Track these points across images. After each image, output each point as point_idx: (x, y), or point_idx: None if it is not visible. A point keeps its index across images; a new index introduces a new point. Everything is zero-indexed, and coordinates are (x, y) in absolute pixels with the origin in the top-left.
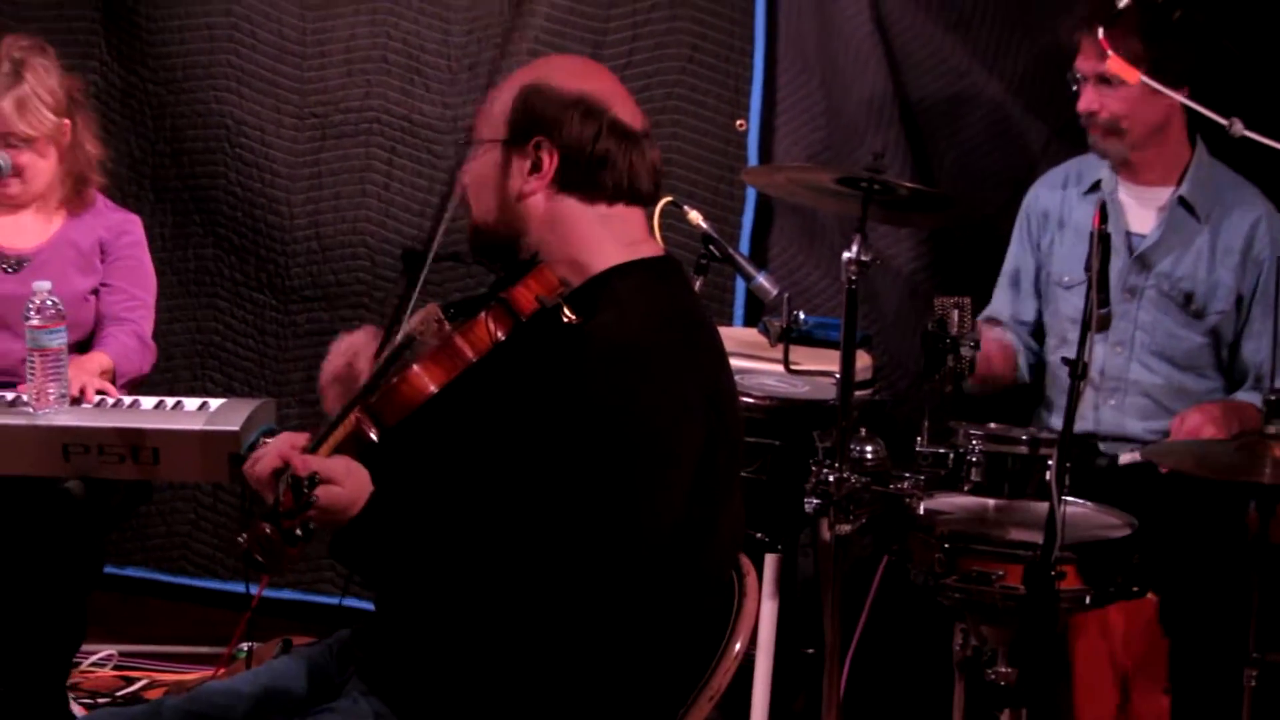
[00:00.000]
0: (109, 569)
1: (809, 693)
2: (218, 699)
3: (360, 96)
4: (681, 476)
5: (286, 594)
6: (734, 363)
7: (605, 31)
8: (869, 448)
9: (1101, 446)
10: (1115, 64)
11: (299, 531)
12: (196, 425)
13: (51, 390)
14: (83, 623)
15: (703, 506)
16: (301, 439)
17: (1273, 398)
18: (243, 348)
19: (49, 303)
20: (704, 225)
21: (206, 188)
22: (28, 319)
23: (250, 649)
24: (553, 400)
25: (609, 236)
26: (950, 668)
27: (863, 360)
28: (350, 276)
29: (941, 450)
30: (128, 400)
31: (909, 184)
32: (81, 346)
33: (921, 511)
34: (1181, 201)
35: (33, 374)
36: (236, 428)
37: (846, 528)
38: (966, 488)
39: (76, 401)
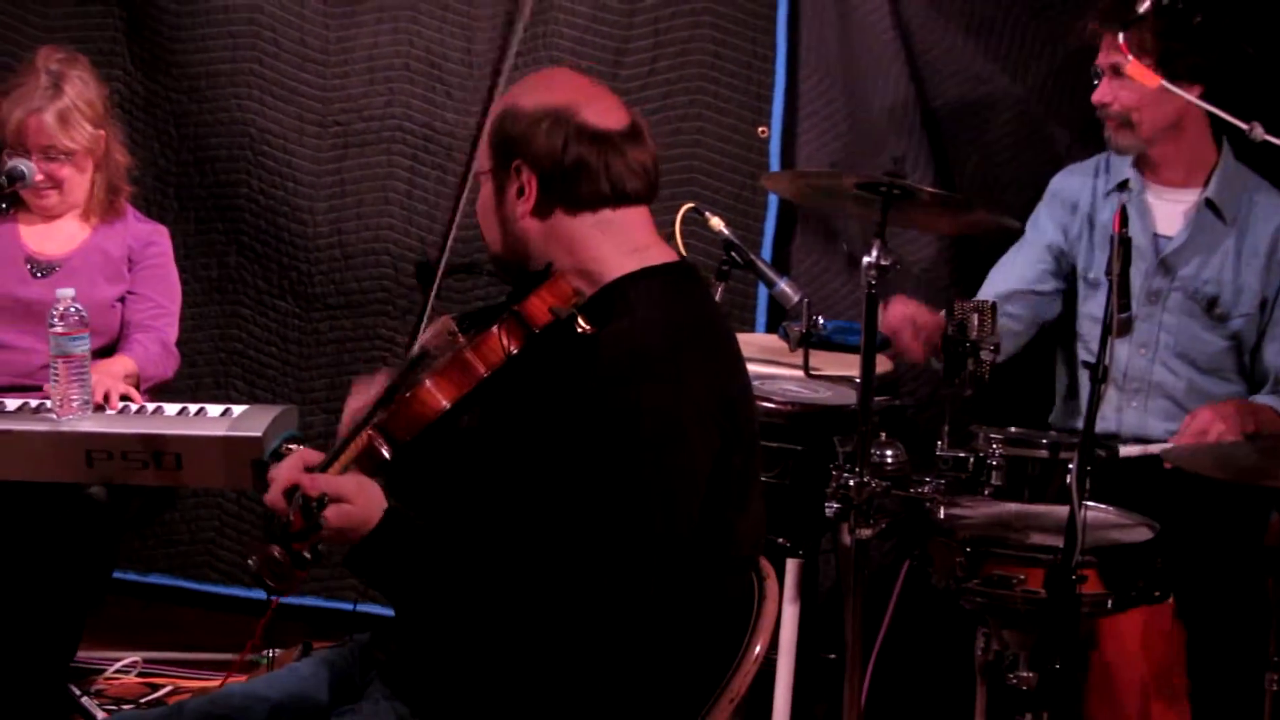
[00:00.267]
0: (132, 576)
1: (830, 699)
2: (238, 701)
3: (382, 105)
4: (695, 484)
5: (309, 600)
6: (755, 368)
7: (628, 39)
8: (889, 452)
9: (1122, 450)
10: (1135, 68)
11: (308, 554)
12: (219, 431)
13: (75, 397)
14: (80, 625)
15: (720, 511)
16: (315, 458)
17: None
18: (266, 355)
19: (73, 309)
20: (725, 231)
21: (230, 196)
22: (52, 326)
23: (272, 655)
24: (567, 410)
25: (610, 244)
26: (972, 672)
27: (883, 364)
28: (373, 284)
29: (962, 454)
30: (151, 406)
31: (929, 188)
32: (107, 353)
33: (942, 516)
34: (1208, 204)
35: (56, 380)
36: (259, 433)
37: (867, 532)
38: (987, 492)
39: (100, 408)
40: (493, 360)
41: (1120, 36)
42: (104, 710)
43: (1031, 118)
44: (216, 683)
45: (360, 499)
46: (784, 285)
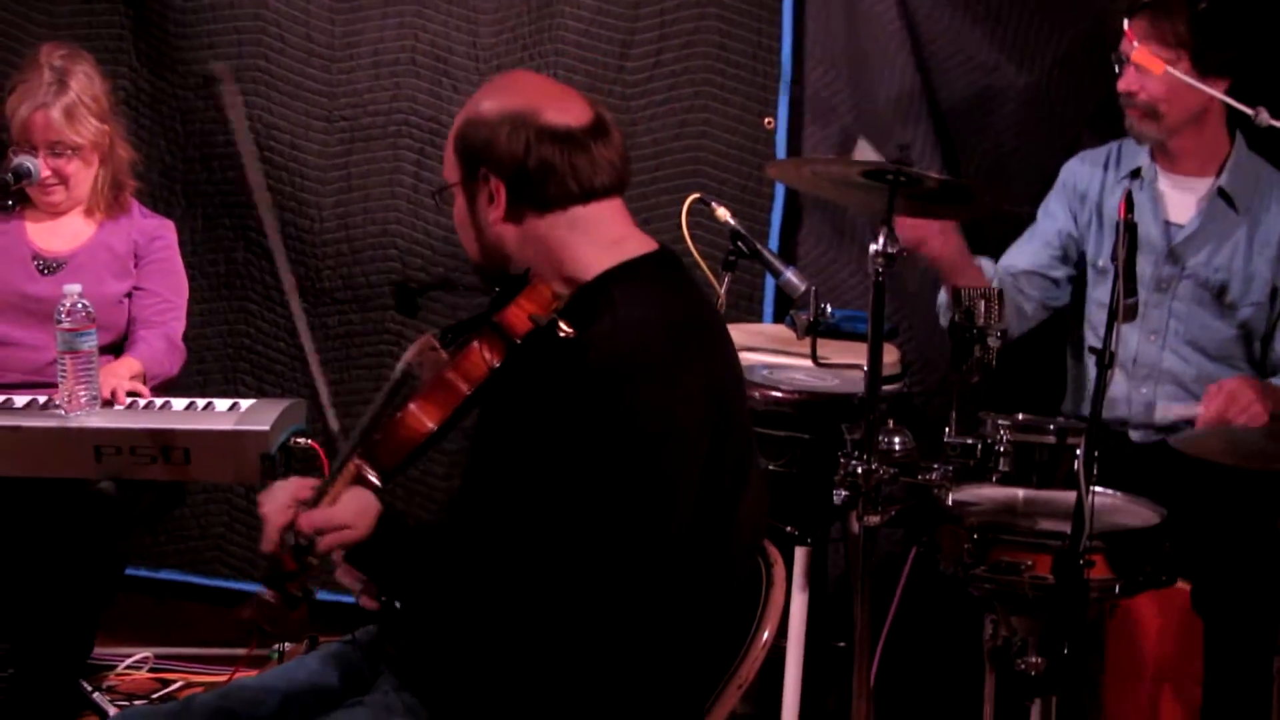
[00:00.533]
0: (143, 572)
1: (840, 687)
2: (248, 695)
3: (388, 99)
4: (689, 480)
5: (320, 595)
6: (763, 357)
7: (633, 31)
8: (897, 439)
9: (1133, 435)
10: (1141, 55)
11: (299, 593)
12: (227, 425)
13: (82, 392)
14: (95, 621)
15: (717, 503)
16: (307, 488)
17: None
18: (274, 350)
19: (79, 305)
20: (732, 222)
21: (236, 192)
22: (59, 322)
23: (281, 650)
24: (557, 415)
25: (586, 242)
26: (981, 658)
27: (891, 354)
28: (381, 278)
29: (970, 441)
30: (159, 401)
31: (936, 175)
32: (114, 349)
33: (950, 503)
34: (1221, 193)
35: (64, 376)
36: (267, 427)
37: (875, 519)
38: (995, 478)
39: (108, 403)
40: (475, 376)
41: (1126, 23)
42: (115, 706)
43: (1038, 106)
44: (227, 678)
45: (359, 522)
46: (790, 275)
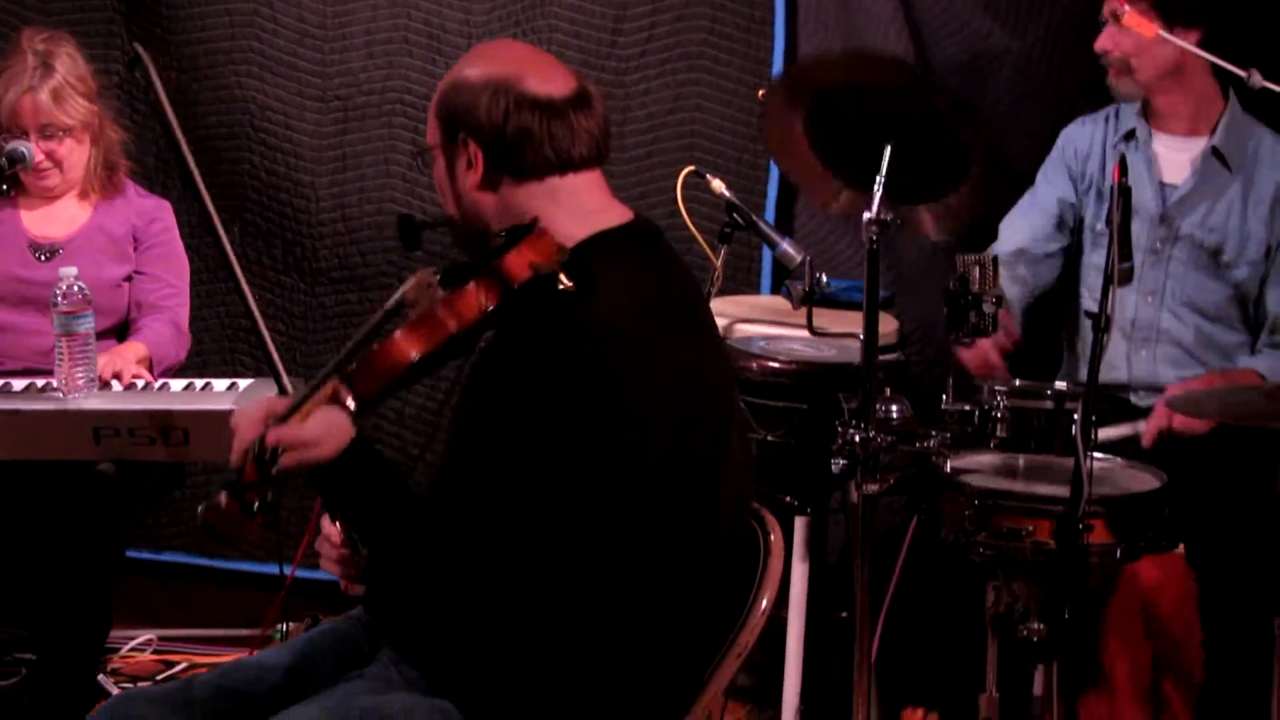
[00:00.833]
0: (146, 554)
1: (843, 657)
2: (249, 673)
3: (382, 78)
4: (663, 432)
5: (321, 575)
6: (760, 329)
7: (625, 5)
8: (894, 407)
9: (1133, 398)
10: (1132, 18)
11: (256, 504)
12: (226, 405)
13: (80, 374)
14: (107, 602)
15: (696, 475)
16: (281, 405)
17: None
18: (272, 331)
19: (75, 288)
20: (727, 194)
21: (231, 173)
22: (55, 305)
23: (285, 629)
24: (534, 373)
25: (562, 213)
26: (983, 625)
27: (889, 324)
28: (378, 258)
29: (967, 407)
30: (157, 383)
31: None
32: (116, 333)
33: (949, 470)
34: (1214, 153)
35: (61, 359)
36: None
37: (874, 487)
38: (993, 444)
39: (106, 385)
40: (466, 316)
41: None
42: (119, 689)
43: (1032, 72)
44: (231, 659)
45: (325, 443)
46: (787, 246)
